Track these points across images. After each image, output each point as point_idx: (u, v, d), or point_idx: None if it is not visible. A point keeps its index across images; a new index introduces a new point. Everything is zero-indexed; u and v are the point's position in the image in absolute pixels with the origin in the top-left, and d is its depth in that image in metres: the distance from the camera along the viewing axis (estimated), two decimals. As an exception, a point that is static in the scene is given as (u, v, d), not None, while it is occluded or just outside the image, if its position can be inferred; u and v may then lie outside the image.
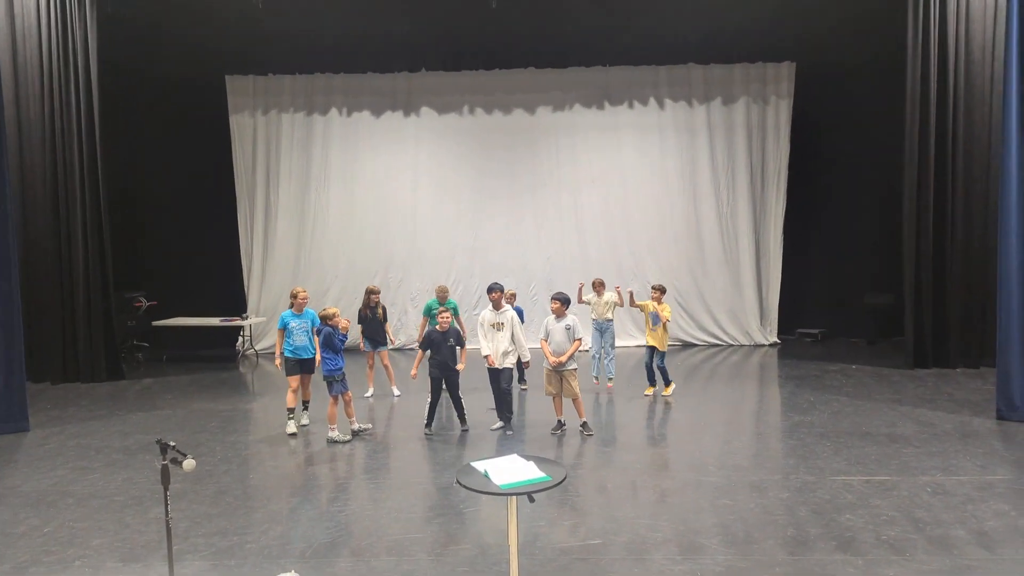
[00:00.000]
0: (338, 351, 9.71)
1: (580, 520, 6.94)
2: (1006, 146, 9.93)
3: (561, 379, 9.59)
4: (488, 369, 9.93)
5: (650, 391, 12.02)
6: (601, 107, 16.82)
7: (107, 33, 14.04)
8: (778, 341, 16.72)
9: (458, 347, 10.02)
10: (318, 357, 10.01)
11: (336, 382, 9.69)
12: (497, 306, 9.83)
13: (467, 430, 10.01)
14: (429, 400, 10.01)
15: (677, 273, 16.48)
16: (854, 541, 6.33)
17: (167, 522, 5.16)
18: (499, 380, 9.90)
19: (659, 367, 11.80)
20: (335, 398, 9.73)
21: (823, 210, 16.89)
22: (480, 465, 5.18)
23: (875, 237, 16.44)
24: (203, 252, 17.13)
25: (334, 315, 9.82)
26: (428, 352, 9.91)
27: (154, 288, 16.83)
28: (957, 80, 13.13)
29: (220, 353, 16.39)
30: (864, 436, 9.41)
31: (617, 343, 13.01)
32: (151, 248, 17.45)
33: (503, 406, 10.00)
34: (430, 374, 9.88)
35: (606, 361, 12.38)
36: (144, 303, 16.31)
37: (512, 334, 9.75)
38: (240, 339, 16.91)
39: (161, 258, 17.33)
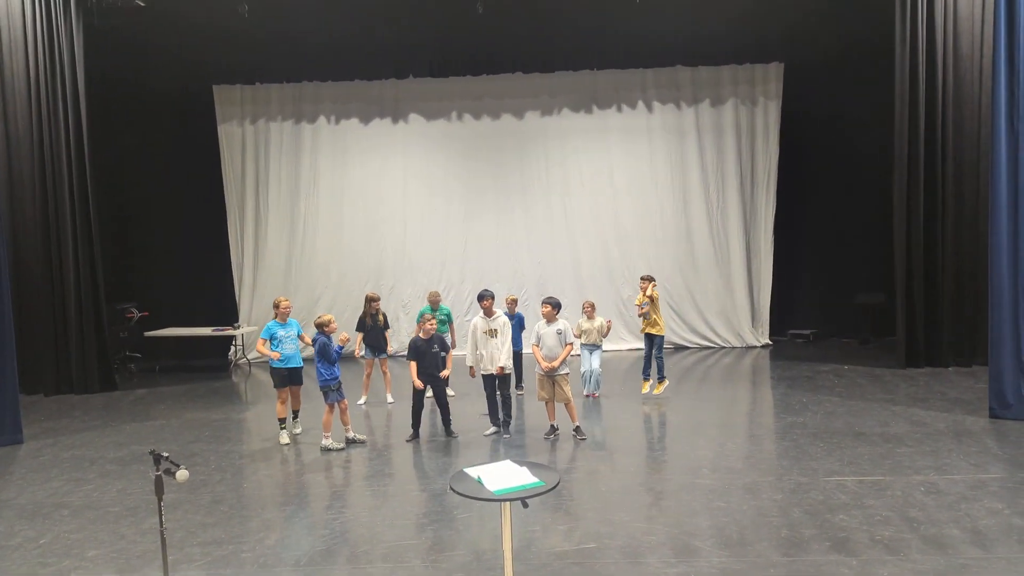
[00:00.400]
0: (334, 362, 9.67)
1: (574, 524, 6.94)
2: (995, 145, 9.96)
3: (554, 384, 9.60)
4: (484, 376, 9.92)
5: (645, 387, 12.07)
6: (589, 111, 16.85)
7: (94, 44, 14.02)
8: (770, 342, 16.75)
9: (443, 353, 10.02)
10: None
11: (332, 391, 9.66)
12: (488, 313, 9.83)
13: (456, 437, 10.00)
14: (413, 406, 10.00)
15: (668, 275, 16.47)
16: (848, 541, 6.35)
17: (162, 532, 5.15)
18: (504, 386, 9.91)
19: (657, 357, 11.85)
20: (331, 406, 9.71)
21: (813, 210, 16.92)
22: (473, 471, 5.19)
23: (866, 237, 16.48)
24: (194, 262, 17.11)
25: (329, 322, 9.77)
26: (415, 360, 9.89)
27: (145, 299, 16.80)
28: (946, 79, 13.13)
29: (212, 363, 16.36)
30: (857, 436, 9.44)
31: (610, 347, 13.02)
32: (142, 259, 17.39)
33: (505, 412, 10.01)
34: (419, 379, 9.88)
35: (592, 379, 12.36)
36: (136, 314, 16.27)
37: (503, 341, 9.77)
38: (232, 348, 16.88)
39: (152, 269, 17.28)
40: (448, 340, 12.14)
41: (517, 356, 11.87)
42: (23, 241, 13.42)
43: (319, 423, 10.01)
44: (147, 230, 17.35)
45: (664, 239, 16.81)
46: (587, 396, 12.35)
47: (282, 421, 10.10)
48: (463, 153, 16.98)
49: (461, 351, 12.36)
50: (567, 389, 9.59)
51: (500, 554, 5.58)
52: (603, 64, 16.60)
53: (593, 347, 11.97)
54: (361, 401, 12.17)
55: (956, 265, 13.33)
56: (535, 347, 9.71)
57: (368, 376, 12.27)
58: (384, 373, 12.23)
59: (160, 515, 5.10)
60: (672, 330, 16.39)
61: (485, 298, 9.85)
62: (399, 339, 16.28)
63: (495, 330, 9.76)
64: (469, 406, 11.35)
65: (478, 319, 9.92)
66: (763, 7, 14.65)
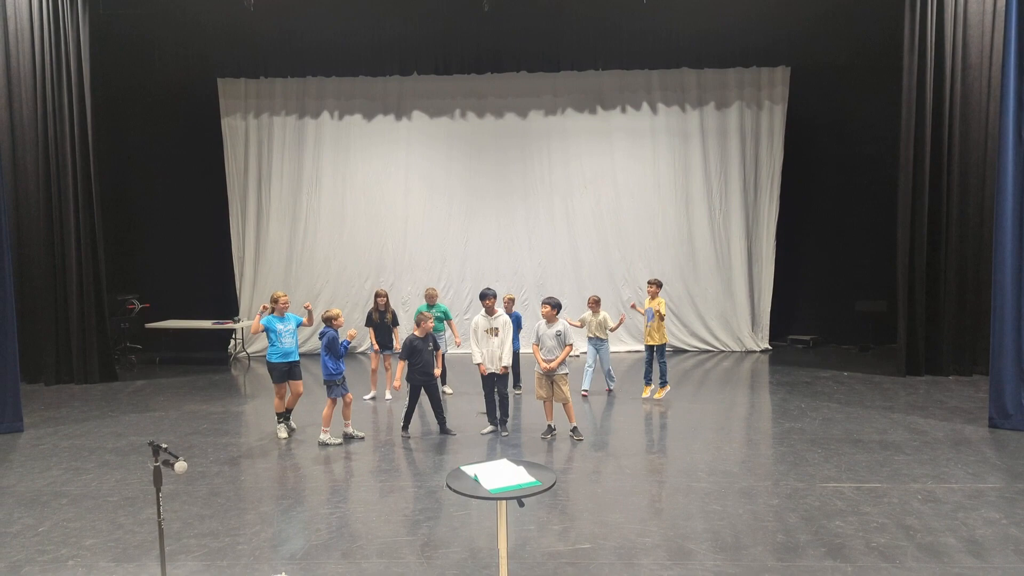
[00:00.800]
0: (340, 356, 9.70)
1: (570, 525, 6.95)
2: (1002, 153, 9.93)
3: (552, 383, 9.61)
4: (482, 376, 9.93)
5: (647, 392, 12.09)
6: (593, 111, 16.85)
7: (99, 36, 14.06)
8: (770, 347, 16.75)
9: (435, 351, 10.04)
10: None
11: (336, 385, 9.68)
12: (490, 312, 9.83)
13: (453, 435, 10.01)
14: (407, 404, 10.02)
15: (669, 278, 16.44)
16: (844, 548, 6.35)
17: (160, 523, 5.16)
18: (500, 386, 9.92)
19: (660, 362, 11.90)
20: (333, 400, 9.72)
21: (816, 216, 16.94)
22: (470, 469, 5.20)
23: (868, 243, 16.50)
24: (195, 255, 17.14)
25: (337, 316, 9.80)
26: (409, 359, 9.87)
27: (147, 290, 16.83)
28: (954, 88, 13.09)
29: (212, 355, 16.39)
30: (855, 443, 9.44)
31: (610, 349, 13.02)
32: (144, 250, 17.42)
33: (502, 411, 10.02)
34: (411, 380, 9.87)
35: (604, 373, 12.48)
36: (137, 305, 16.30)
37: (503, 341, 9.77)
38: (232, 342, 16.90)
39: (154, 260, 17.30)
40: (445, 337, 12.21)
41: (515, 355, 11.88)
42: (27, 231, 13.46)
43: (319, 417, 10.03)
44: (149, 222, 17.35)
45: (666, 241, 16.81)
46: (584, 394, 12.38)
47: (279, 416, 10.12)
48: (466, 151, 16.98)
49: (464, 350, 12.40)
50: (565, 389, 9.60)
51: (495, 552, 5.59)
52: (608, 64, 16.58)
53: (597, 341, 12.04)
54: (369, 396, 12.19)
55: (958, 274, 13.31)
56: (535, 346, 9.72)
57: (375, 371, 12.29)
58: (387, 369, 12.24)
59: (158, 506, 5.12)
60: (672, 333, 16.33)
61: (487, 297, 9.84)
62: (397, 336, 16.30)
63: (496, 329, 9.76)
64: (466, 404, 11.35)
65: (479, 317, 9.91)
66: (771, 10, 14.68)
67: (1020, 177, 9.84)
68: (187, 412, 11.64)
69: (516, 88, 16.84)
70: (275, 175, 17.06)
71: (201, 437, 10.15)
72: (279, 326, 9.94)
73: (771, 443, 9.67)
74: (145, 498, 7.72)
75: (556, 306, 9.73)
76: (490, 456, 8.98)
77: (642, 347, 13.22)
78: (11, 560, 6.32)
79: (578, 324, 11.88)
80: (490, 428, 10.07)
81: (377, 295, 12.08)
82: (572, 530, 6.81)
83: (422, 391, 9.94)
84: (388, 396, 12.22)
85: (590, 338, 12.15)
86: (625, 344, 16.53)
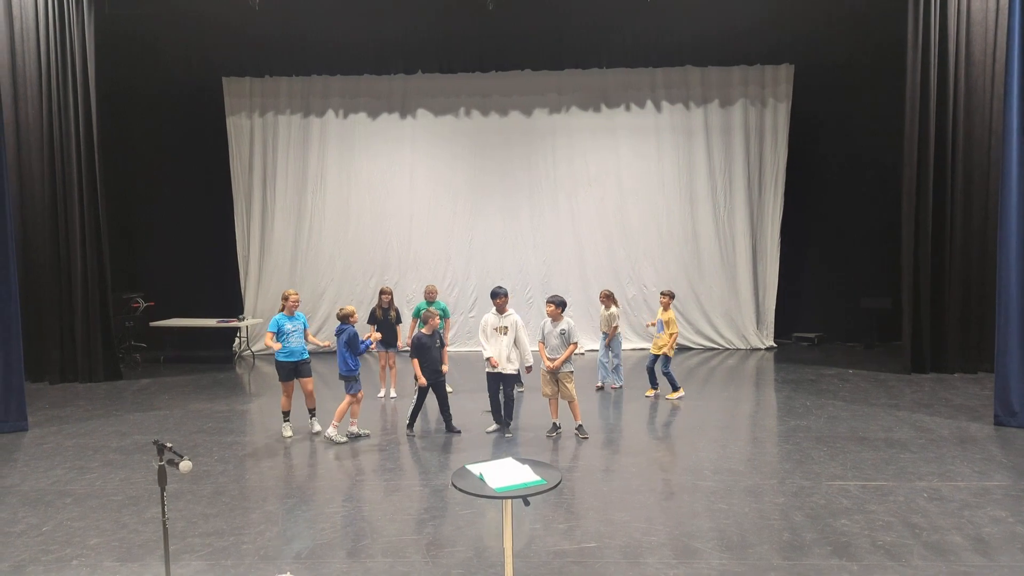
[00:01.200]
0: (360, 353, 9.78)
1: (575, 523, 6.93)
2: (1007, 150, 9.90)
3: (557, 382, 9.61)
4: (488, 374, 9.90)
5: (651, 393, 12.10)
6: (598, 109, 16.83)
7: (105, 34, 14.07)
8: (774, 345, 16.73)
9: (442, 347, 10.05)
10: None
11: (355, 381, 9.76)
12: (501, 310, 9.82)
13: (459, 433, 10.01)
14: (415, 402, 10.03)
15: (673, 276, 16.47)
16: (850, 546, 6.33)
17: (164, 522, 5.16)
18: (506, 386, 9.89)
19: (664, 373, 11.90)
20: (352, 396, 9.78)
21: (821, 213, 16.92)
22: (475, 468, 5.19)
23: (873, 241, 16.48)
24: (200, 253, 17.18)
25: (352, 313, 9.88)
26: (419, 357, 9.87)
27: (151, 289, 16.87)
28: (957, 83, 13.10)
29: (217, 354, 16.41)
30: (861, 441, 9.42)
31: (621, 345, 13.07)
32: (148, 249, 17.47)
33: (507, 412, 10.00)
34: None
35: (610, 369, 12.56)
36: (141, 304, 16.33)
37: (516, 338, 9.73)
38: (236, 340, 16.92)
39: (158, 259, 17.35)
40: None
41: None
42: (32, 230, 13.49)
43: (329, 415, 10.06)
44: (154, 220, 17.39)
45: (670, 239, 16.80)
46: (598, 387, 12.49)
47: (286, 414, 10.11)
48: (470, 149, 16.99)
49: (461, 348, 12.39)
50: (571, 387, 9.59)
51: (500, 551, 5.58)
52: (613, 63, 16.57)
53: (605, 336, 12.17)
54: (381, 394, 12.20)
55: (963, 271, 13.31)
56: (540, 344, 9.71)
57: (383, 369, 12.29)
58: (391, 367, 12.23)
59: (163, 505, 5.11)
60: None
61: (499, 295, 9.82)
62: (405, 335, 16.32)
63: (506, 327, 9.74)
64: (470, 403, 11.34)
65: (490, 315, 9.90)
66: (775, 8, 14.65)
67: (1023, 173, 9.82)
68: (191, 411, 11.65)
69: (520, 86, 16.83)
70: (280, 174, 17.08)
71: (205, 436, 10.16)
72: (287, 326, 9.93)
73: (776, 441, 9.65)
74: (149, 497, 7.72)
75: (560, 304, 9.71)
76: (495, 454, 8.97)
77: (645, 345, 13.26)
78: (15, 559, 6.32)
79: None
80: (495, 427, 10.06)
81: (382, 292, 12.09)
82: (577, 529, 6.80)
83: (430, 390, 9.93)
84: (393, 395, 12.22)
85: (604, 332, 12.32)
86: (630, 342, 16.50)
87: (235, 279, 17.24)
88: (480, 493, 4.90)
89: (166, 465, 5.06)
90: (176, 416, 11.32)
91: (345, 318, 9.78)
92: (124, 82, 16.01)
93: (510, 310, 9.92)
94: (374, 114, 17.04)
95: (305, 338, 10.09)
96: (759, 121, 16.58)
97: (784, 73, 16.39)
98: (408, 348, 10.37)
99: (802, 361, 15.08)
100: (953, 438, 9.49)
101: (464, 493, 4.98)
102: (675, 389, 11.99)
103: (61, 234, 13.57)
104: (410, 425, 10.07)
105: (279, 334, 9.89)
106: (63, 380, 13.69)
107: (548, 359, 9.59)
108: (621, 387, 12.64)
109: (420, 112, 17.02)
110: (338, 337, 9.77)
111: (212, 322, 15.93)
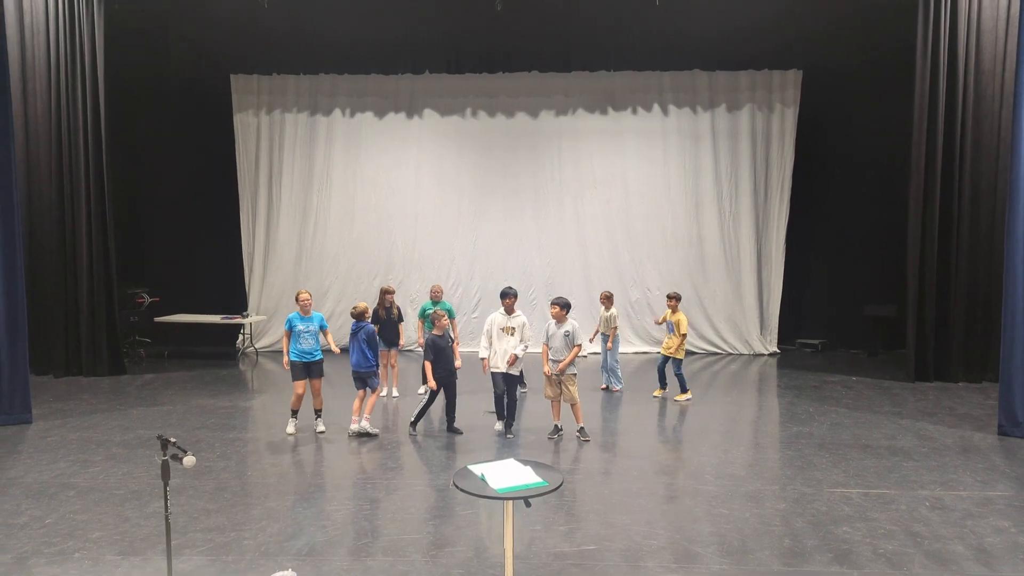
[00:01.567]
0: (377, 350, 9.98)
1: (576, 526, 6.94)
2: (1015, 159, 9.86)
3: (560, 384, 9.60)
4: (494, 374, 9.90)
5: (659, 393, 12.14)
6: (604, 112, 16.82)
7: (113, 30, 14.09)
8: (778, 351, 16.70)
9: (452, 343, 10.13)
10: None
11: (375, 376, 9.93)
12: (509, 311, 9.83)
13: (461, 433, 10.01)
14: (426, 401, 10.05)
15: (677, 280, 16.43)
16: (851, 554, 6.33)
17: (166, 517, 5.17)
18: (511, 387, 9.91)
19: (676, 374, 11.96)
20: (376, 391, 9.98)
21: (826, 219, 16.86)
22: (477, 469, 5.20)
23: (878, 248, 16.43)
24: (205, 249, 17.19)
25: (366, 310, 10.02)
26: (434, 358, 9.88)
27: (156, 284, 16.88)
28: (966, 90, 13.03)
29: (221, 350, 16.41)
30: (863, 448, 9.41)
31: (619, 348, 13.06)
32: (154, 244, 17.48)
33: (509, 414, 10.00)
34: (435, 377, 9.84)
35: (609, 371, 12.59)
36: (146, 299, 16.35)
37: (522, 338, 9.78)
38: (241, 337, 16.92)
39: (164, 254, 17.36)
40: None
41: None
42: (39, 224, 13.53)
43: (343, 415, 10.14)
44: (160, 216, 17.40)
45: (675, 243, 16.78)
46: (603, 388, 12.54)
47: (294, 412, 10.12)
48: (476, 150, 16.98)
49: (469, 348, 12.39)
50: (573, 390, 9.59)
51: (501, 552, 5.58)
52: (620, 65, 16.55)
53: (605, 337, 12.22)
54: (383, 393, 12.22)
55: (969, 279, 13.26)
56: (544, 346, 9.71)
57: (385, 368, 12.30)
58: (392, 366, 12.24)
59: (166, 499, 5.13)
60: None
61: (508, 296, 9.86)
62: (405, 333, 16.30)
63: (513, 328, 9.76)
64: (473, 403, 11.35)
65: (497, 315, 9.94)
66: (783, 13, 14.64)
67: (1032, 183, 9.80)
68: (195, 406, 11.66)
69: (527, 87, 16.82)
70: (286, 171, 17.09)
71: (209, 432, 10.18)
72: (299, 326, 9.95)
73: (778, 447, 9.65)
74: (152, 492, 7.74)
75: (565, 306, 9.69)
76: (497, 455, 8.98)
77: (648, 349, 13.27)
78: (18, 551, 6.35)
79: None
80: (498, 427, 10.06)
81: (385, 292, 12.08)
82: (578, 531, 6.81)
83: (440, 391, 9.94)
84: (395, 394, 12.24)
85: (602, 334, 12.34)
86: (633, 345, 16.50)
87: (240, 276, 17.25)
88: (482, 494, 4.91)
89: (169, 460, 5.07)
90: (179, 411, 11.34)
91: (360, 315, 9.89)
92: (132, 79, 16.01)
93: (518, 311, 9.95)
94: (381, 113, 17.04)
95: (324, 335, 10.18)
96: (766, 126, 16.54)
97: (792, 78, 16.35)
98: (409, 348, 10.39)
99: (805, 367, 15.06)
100: (956, 447, 9.48)
101: (466, 493, 4.99)
102: (684, 391, 11.99)
103: (68, 229, 13.62)
104: (413, 424, 10.08)
105: (292, 333, 9.96)
106: (67, 374, 13.72)
107: (550, 362, 9.57)
108: (621, 390, 12.61)
109: (427, 112, 17.02)
110: (355, 335, 9.82)
111: (216, 318, 15.95)
